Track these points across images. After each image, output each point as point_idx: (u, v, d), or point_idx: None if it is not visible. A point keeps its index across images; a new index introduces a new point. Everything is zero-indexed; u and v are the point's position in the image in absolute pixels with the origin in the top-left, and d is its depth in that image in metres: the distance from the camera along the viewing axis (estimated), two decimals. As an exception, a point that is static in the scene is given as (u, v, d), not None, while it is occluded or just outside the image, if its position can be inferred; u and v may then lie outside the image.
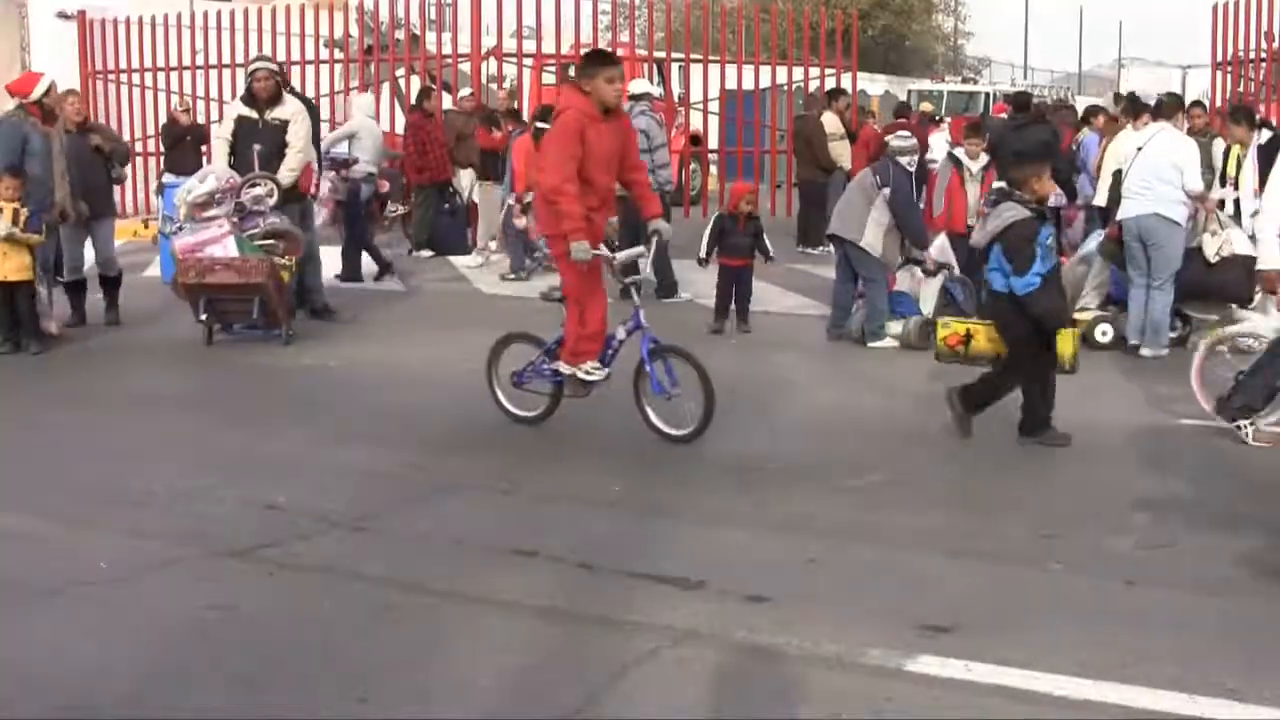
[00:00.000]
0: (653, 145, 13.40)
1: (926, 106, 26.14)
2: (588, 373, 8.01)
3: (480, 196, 17.46)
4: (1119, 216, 10.89)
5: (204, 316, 10.82)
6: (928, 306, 11.26)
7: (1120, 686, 4.53)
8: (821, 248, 17.30)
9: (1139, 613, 5.31)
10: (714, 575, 5.62)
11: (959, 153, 12.09)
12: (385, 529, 6.37)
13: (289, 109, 11.69)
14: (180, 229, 11.08)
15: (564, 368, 8.07)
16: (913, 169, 11.42)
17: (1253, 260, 10.65)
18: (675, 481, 7.21)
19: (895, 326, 11.11)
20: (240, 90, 12.02)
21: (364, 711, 4.39)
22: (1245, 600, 5.45)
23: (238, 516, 6.53)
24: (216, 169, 11.39)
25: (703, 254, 11.85)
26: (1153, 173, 10.59)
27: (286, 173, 11.39)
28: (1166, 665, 4.71)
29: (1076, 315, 11.36)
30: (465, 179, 17.66)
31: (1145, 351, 10.53)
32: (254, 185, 11.12)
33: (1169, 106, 11.64)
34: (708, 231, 11.87)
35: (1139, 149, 10.80)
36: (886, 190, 10.96)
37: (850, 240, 11.05)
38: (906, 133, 12.10)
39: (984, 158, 12.03)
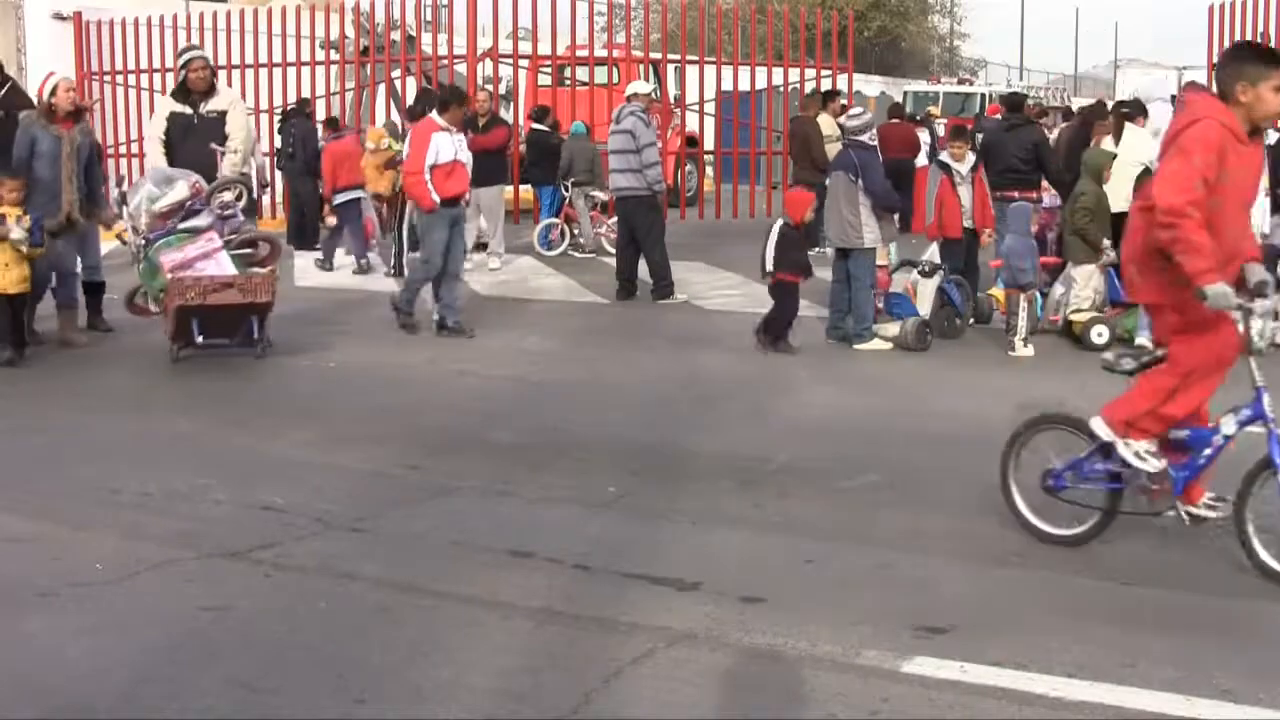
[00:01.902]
0: (639, 145, 13.43)
1: (933, 110, 26.27)
2: (1139, 455, 5.85)
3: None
4: None
5: (199, 339, 10.16)
6: (924, 307, 11.27)
7: (1116, 688, 4.53)
8: (818, 249, 17.33)
9: (1135, 614, 5.31)
10: (710, 576, 5.63)
11: (945, 158, 12.09)
12: (381, 530, 6.37)
13: (224, 99, 11.22)
14: (147, 241, 10.26)
15: (1102, 429, 5.96)
16: (874, 142, 11.45)
17: (1273, 249, 10.86)
18: (671, 483, 7.20)
19: (892, 328, 11.12)
20: (219, 89, 11.45)
21: (360, 712, 4.39)
22: (1242, 602, 5.45)
23: (234, 517, 6.53)
24: (171, 171, 10.63)
25: (770, 267, 11.03)
26: None
27: (229, 168, 10.88)
28: (1162, 666, 4.71)
29: (1072, 317, 11.40)
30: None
31: None
32: (223, 190, 10.57)
33: None
34: (773, 243, 11.00)
35: None
36: (861, 182, 11.02)
37: (855, 247, 11.06)
38: (858, 109, 12.15)
39: (971, 157, 12.04)
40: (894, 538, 6.23)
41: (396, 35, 21.25)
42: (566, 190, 17.50)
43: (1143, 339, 10.73)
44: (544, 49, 23.01)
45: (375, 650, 4.87)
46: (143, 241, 10.31)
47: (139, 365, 10.48)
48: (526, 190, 19.97)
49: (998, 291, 11.70)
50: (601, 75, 21.50)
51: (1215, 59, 20.19)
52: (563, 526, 6.41)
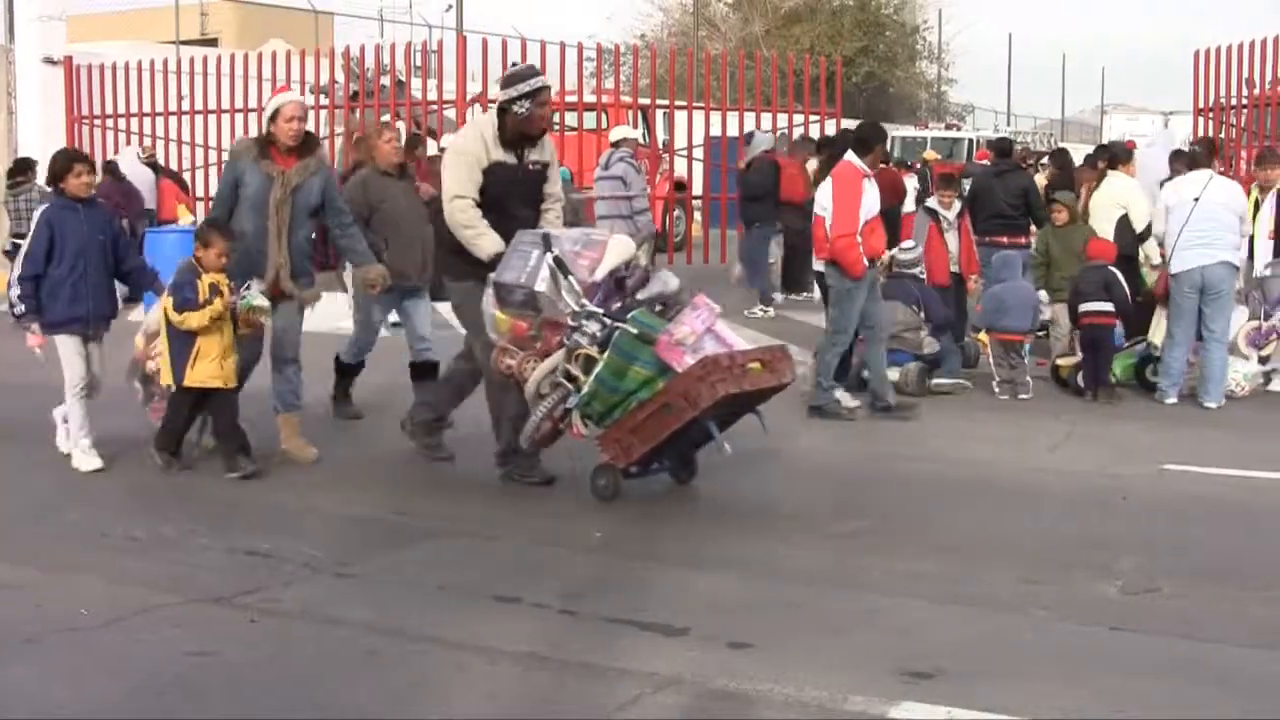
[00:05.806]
0: (630, 191, 13.49)
1: (930, 154, 26.33)
2: None
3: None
4: (1174, 270, 10.57)
5: (725, 448, 7.46)
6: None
7: (1104, 733, 4.53)
8: (805, 294, 17.35)
9: (1123, 659, 5.31)
10: (697, 621, 5.62)
11: (933, 203, 12.13)
12: (368, 575, 6.36)
13: (547, 148, 8.10)
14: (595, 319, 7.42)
15: None
16: (924, 276, 11.62)
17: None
18: (657, 527, 7.20)
19: (893, 373, 11.10)
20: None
21: (346, 759, 4.37)
22: (1230, 645, 5.45)
23: (220, 562, 6.51)
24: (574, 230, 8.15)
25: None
26: (1215, 221, 10.51)
27: (557, 224, 8.12)
28: (1151, 711, 4.70)
29: (1060, 361, 11.41)
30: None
31: (1209, 404, 10.41)
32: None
33: (1205, 155, 11.49)
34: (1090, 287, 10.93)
35: (1195, 199, 10.57)
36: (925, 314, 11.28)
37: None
38: (909, 243, 11.96)
39: (957, 204, 12.09)
40: (882, 582, 6.22)
41: (386, 80, 21.33)
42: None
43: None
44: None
45: (362, 695, 4.85)
46: (597, 321, 7.43)
47: (125, 408, 10.41)
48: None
49: (984, 336, 11.72)
50: (591, 120, 21.60)
51: (1201, 103, 20.37)
52: (549, 571, 6.39)
